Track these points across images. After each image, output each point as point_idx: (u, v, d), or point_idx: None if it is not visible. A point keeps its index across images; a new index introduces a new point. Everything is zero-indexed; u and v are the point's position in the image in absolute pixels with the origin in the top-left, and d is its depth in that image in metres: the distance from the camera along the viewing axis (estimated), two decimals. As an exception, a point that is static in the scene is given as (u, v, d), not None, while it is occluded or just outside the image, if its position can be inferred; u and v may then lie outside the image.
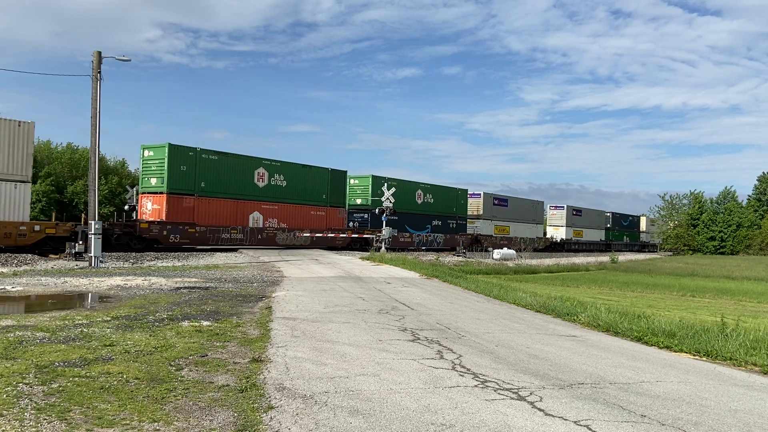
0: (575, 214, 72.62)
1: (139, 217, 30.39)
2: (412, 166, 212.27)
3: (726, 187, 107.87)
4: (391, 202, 37.67)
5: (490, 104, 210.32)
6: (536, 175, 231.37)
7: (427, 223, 47.02)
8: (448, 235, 49.17)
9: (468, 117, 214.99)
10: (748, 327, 11.37)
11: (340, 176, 39.69)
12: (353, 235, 39.66)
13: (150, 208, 29.87)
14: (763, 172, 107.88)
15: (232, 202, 32.21)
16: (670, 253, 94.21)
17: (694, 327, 10.39)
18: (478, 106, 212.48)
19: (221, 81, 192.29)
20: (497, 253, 47.39)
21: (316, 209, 37.36)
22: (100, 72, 22.06)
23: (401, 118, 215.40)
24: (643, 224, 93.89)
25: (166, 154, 29.15)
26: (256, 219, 33.54)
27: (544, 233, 68.66)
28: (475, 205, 54.78)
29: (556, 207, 72.37)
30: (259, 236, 33.43)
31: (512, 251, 50.21)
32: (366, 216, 42.56)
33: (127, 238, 28.16)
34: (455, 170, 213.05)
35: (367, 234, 40.13)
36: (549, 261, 47.29)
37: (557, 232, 70.61)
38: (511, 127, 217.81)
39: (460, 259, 42.27)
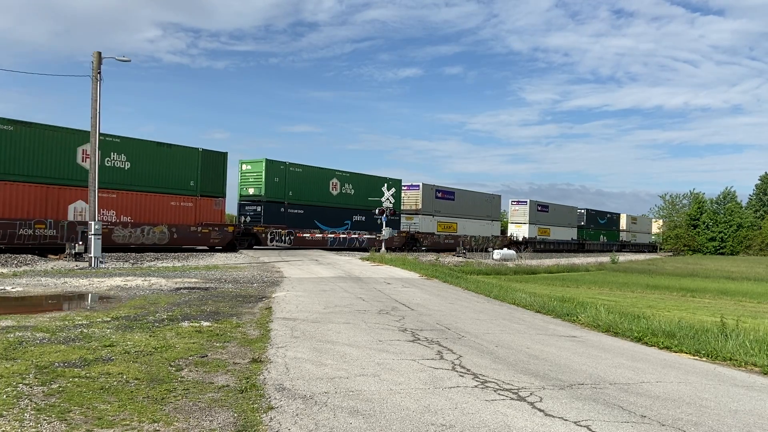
0: (541, 210, 65.38)
1: None
2: (413, 167, 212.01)
3: (726, 188, 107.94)
4: (391, 202, 37.54)
5: (491, 104, 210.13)
6: (537, 175, 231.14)
7: (345, 219, 39.58)
8: (374, 233, 40.91)
9: (469, 117, 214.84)
10: (748, 327, 11.38)
11: (217, 159, 31.57)
12: (231, 231, 32.29)
13: None
14: (765, 172, 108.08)
15: (38, 188, 24.39)
16: (670, 254, 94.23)
17: (694, 327, 10.39)
18: (479, 107, 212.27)
19: (222, 81, 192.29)
20: (497, 254, 47.41)
21: (179, 199, 29.51)
22: (100, 72, 22.06)
23: (402, 119, 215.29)
24: (623, 222, 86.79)
25: None
26: (80, 210, 25.65)
27: (503, 231, 62.42)
28: (413, 198, 47.58)
29: (518, 202, 64.79)
30: (85, 232, 25.04)
31: (512, 252, 50.21)
32: (259, 209, 35.16)
33: None
34: (456, 171, 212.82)
35: (259, 230, 33.77)
36: (549, 261, 47.31)
37: (519, 230, 63.19)
38: (512, 127, 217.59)
39: (460, 259, 42.30)
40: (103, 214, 26.09)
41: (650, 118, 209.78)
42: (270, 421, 4.80)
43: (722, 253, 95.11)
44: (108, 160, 26.85)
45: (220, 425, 4.71)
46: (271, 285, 15.99)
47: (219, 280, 17.11)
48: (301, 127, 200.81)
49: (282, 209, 35.67)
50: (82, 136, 25.50)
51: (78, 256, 22.82)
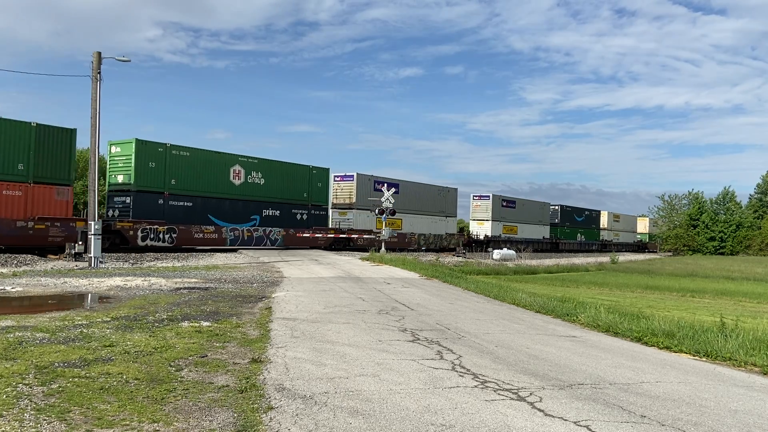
0: (506, 205, 59.51)
1: None
2: (413, 167, 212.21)
3: (725, 188, 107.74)
4: (390, 202, 37.27)
5: (492, 104, 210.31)
6: (537, 175, 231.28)
7: (252, 213, 33.99)
8: (292, 230, 35.92)
9: (470, 117, 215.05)
10: (748, 327, 11.38)
11: (60, 137, 24.83)
12: (81, 227, 24.75)
13: None
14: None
15: None
16: (669, 254, 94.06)
17: (693, 327, 10.39)
18: (480, 106, 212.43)
19: (222, 81, 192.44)
20: (497, 254, 47.47)
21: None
22: (100, 72, 22.07)
23: (403, 118, 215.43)
24: (604, 220, 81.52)
25: None
26: None
27: (462, 229, 57.86)
28: (346, 191, 41.60)
29: (480, 197, 58.23)
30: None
31: (512, 252, 50.24)
32: (128, 200, 28.52)
33: None
34: (456, 171, 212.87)
35: (125, 226, 27.54)
36: (549, 261, 47.34)
37: (481, 227, 57.30)
38: (512, 127, 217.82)
39: (460, 259, 42.34)
40: None
41: (651, 117, 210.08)
42: (270, 421, 4.80)
43: (722, 253, 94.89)
44: None
45: (220, 425, 4.71)
46: (270, 285, 15.99)
47: (219, 280, 17.11)
48: (301, 127, 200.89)
49: (160, 201, 29.31)
50: None
51: (78, 256, 22.82)
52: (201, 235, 30.96)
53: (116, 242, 27.61)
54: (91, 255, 21.09)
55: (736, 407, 5.83)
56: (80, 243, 23.44)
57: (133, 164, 28.33)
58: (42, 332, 8.18)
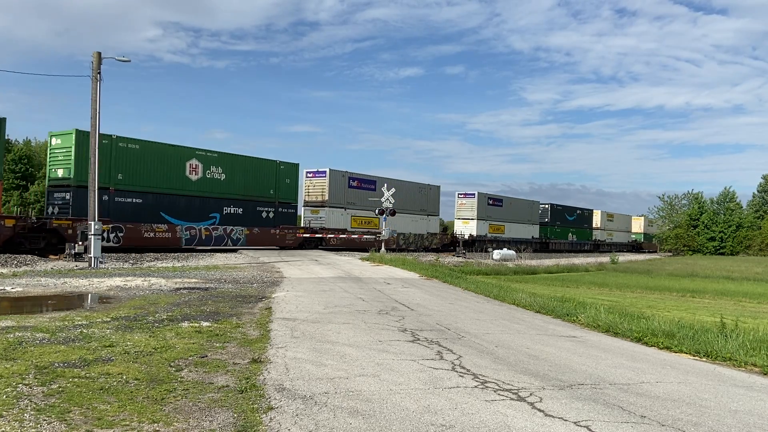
0: (492, 204, 57.51)
1: None
2: (413, 167, 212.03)
3: (725, 188, 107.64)
4: (390, 202, 37.17)
5: (492, 104, 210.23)
6: (537, 175, 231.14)
7: (211, 211, 31.63)
8: (257, 229, 33.89)
9: (470, 117, 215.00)
10: (748, 327, 11.37)
11: None
12: (10, 226, 23.02)
13: None
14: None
15: None
16: (670, 254, 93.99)
17: (693, 327, 10.39)
18: (481, 106, 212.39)
19: (222, 81, 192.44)
20: (497, 254, 47.47)
21: None
22: (99, 72, 22.07)
23: (403, 118, 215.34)
24: (597, 219, 79.42)
25: None
26: None
27: (445, 228, 56.33)
28: (318, 188, 39.71)
29: (465, 195, 55.96)
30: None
31: (512, 252, 50.24)
32: (68, 196, 26.08)
33: None
34: (456, 171, 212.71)
35: (63, 224, 24.81)
36: (549, 262, 47.35)
37: (466, 226, 55.24)
38: (513, 127, 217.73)
39: (460, 259, 42.34)
40: None
41: (651, 117, 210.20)
42: (270, 422, 4.79)
43: (722, 253, 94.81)
44: None
45: (219, 425, 4.71)
46: (270, 285, 15.99)
47: (219, 280, 17.11)
48: (301, 127, 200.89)
49: (105, 197, 26.37)
50: None
51: (78, 257, 22.82)
52: (152, 234, 28.66)
53: (53, 242, 24.85)
54: (91, 255, 21.09)
55: (736, 407, 5.83)
56: (80, 243, 23.44)
57: (73, 157, 25.82)
58: (42, 332, 8.18)
